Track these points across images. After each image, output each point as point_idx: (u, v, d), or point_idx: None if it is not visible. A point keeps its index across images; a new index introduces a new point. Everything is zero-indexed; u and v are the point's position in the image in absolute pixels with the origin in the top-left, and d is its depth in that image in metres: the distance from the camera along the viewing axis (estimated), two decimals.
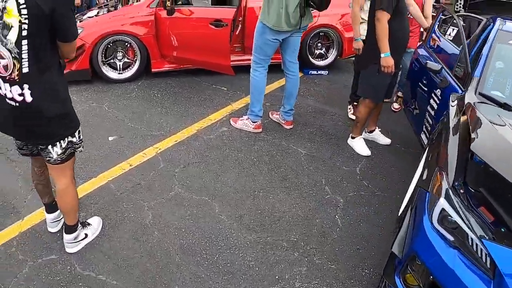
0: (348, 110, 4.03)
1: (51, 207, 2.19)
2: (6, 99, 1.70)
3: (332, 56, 5.16)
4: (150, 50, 4.35)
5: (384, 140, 3.52)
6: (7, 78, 1.65)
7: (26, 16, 1.57)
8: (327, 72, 5.15)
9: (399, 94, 4.14)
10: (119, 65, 4.39)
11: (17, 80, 1.65)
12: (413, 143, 3.40)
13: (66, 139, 1.86)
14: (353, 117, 3.76)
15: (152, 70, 4.47)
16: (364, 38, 3.29)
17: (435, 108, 2.77)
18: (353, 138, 3.38)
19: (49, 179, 2.13)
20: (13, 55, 1.62)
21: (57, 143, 1.84)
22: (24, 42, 1.61)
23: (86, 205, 2.48)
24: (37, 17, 1.58)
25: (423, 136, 2.95)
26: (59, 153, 1.85)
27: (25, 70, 1.65)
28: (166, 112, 3.82)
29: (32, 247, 2.15)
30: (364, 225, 2.52)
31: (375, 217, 2.60)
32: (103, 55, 4.25)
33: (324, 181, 2.94)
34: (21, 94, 1.67)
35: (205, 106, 3.97)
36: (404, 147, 3.53)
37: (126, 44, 4.33)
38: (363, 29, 3.38)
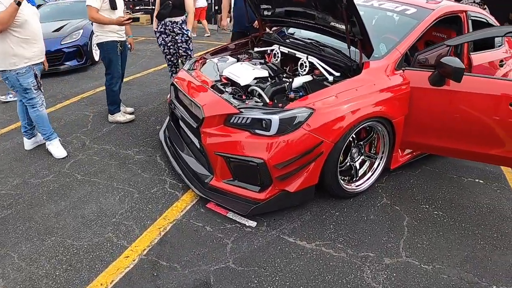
0: None
1: None
2: None
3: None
4: (398, 139, 2.66)
5: None
6: None
7: None
8: None
9: None
10: (355, 167, 2.61)
11: None
12: None
13: None
14: None
15: (392, 167, 2.79)
16: None
17: None
18: None
19: None
20: None
21: None
22: None
23: None
24: None
25: None
26: None
27: None
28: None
29: None
30: None
31: None
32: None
33: None
34: None
35: None
36: None
37: (372, 134, 2.58)
38: None
